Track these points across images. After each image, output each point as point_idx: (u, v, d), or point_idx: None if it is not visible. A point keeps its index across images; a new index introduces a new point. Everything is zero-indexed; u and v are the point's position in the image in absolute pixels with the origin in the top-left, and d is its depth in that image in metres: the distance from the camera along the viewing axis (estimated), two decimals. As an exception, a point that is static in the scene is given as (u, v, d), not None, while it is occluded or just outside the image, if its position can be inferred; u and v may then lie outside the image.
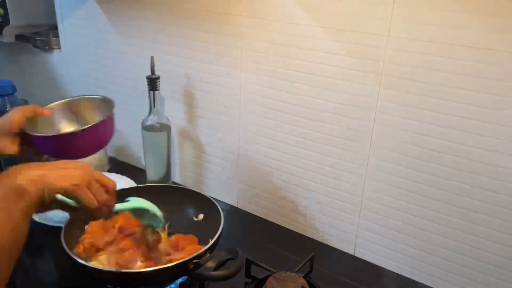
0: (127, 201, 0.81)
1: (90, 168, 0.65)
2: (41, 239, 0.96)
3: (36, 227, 0.92)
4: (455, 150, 0.80)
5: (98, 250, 0.83)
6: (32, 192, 0.56)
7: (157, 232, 0.85)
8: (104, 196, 0.66)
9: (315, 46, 0.88)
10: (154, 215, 0.83)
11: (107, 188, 0.68)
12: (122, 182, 1.11)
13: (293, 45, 0.91)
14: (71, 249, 0.77)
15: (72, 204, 0.64)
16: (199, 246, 0.83)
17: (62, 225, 0.82)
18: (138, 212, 0.83)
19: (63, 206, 0.65)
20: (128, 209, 0.81)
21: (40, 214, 0.98)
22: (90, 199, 0.63)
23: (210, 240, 0.79)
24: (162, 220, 0.85)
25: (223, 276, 0.72)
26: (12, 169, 0.57)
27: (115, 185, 0.69)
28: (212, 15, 1.00)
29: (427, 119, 0.81)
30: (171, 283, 0.84)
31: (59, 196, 0.61)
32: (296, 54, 0.91)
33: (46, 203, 0.59)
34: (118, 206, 0.75)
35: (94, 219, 0.82)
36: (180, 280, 0.85)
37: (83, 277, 0.87)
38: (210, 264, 0.73)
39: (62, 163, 0.63)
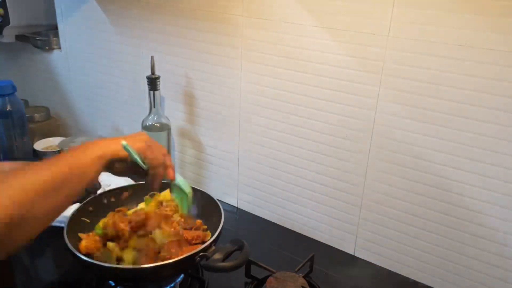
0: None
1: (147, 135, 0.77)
2: (41, 238, 0.96)
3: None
4: (454, 150, 0.80)
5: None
6: (108, 147, 0.69)
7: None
8: (162, 154, 0.77)
9: (315, 46, 0.88)
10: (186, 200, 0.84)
11: (163, 152, 0.78)
12: (122, 181, 1.11)
13: (293, 45, 0.91)
14: (73, 245, 0.77)
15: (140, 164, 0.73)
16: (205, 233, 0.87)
17: (63, 225, 0.82)
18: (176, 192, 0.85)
19: (128, 168, 0.75)
20: (178, 185, 0.83)
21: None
22: (155, 157, 0.75)
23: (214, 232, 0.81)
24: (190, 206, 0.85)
25: (231, 266, 0.73)
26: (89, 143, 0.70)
27: (166, 150, 0.79)
28: (212, 15, 1.00)
29: (427, 118, 0.81)
30: (177, 278, 0.85)
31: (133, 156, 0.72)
32: (296, 54, 0.91)
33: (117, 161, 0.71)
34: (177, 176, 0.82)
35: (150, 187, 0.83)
36: (179, 279, 0.85)
37: (83, 275, 0.88)
38: (217, 256, 0.74)
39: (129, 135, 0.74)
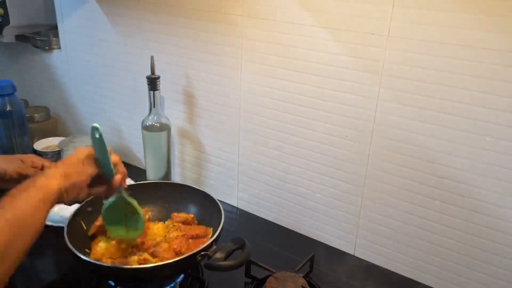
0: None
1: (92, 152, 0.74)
2: (41, 239, 0.96)
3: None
4: (454, 150, 0.80)
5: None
6: (53, 185, 0.65)
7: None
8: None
9: (315, 46, 0.88)
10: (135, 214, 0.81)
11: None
12: (122, 182, 1.11)
13: (293, 45, 0.91)
14: (74, 246, 0.77)
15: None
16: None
17: (63, 225, 0.82)
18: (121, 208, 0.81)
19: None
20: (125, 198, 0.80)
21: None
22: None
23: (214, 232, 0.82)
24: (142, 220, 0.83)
25: (233, 265, 0.73)
26: (40, 172, 0.68)
27: (118, 157, 0.77)
28: (212, 15, 1.00)
29: (427, 119, 0.81)
30: (177, 278, 0.85)
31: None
32: (296, 54, 0.91)
33: (66, 197, 0.68)
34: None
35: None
36: (179, 279, 0.85)
37: (83, 275, 0.88)
38: (219, 255, 0.74)
39: (73, 161, 0.71)
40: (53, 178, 0.66)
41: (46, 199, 0.63)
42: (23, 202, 0.60)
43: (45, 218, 0.63)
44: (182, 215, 0.92)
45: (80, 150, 0.74)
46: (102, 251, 0.82)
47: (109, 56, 1.25)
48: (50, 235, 0.97)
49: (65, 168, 0.69)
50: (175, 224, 0.91)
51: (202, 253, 0.75)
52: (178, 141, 1.21)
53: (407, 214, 0.89)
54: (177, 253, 0.81)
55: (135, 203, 0.80)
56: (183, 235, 0.86)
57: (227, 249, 0.75)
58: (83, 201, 0.88)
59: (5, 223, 0.56)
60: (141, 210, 0.81)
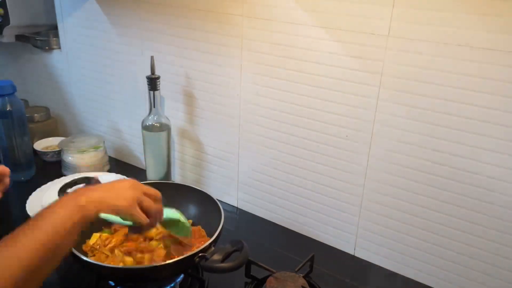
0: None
1: (139, 184, 0.73)
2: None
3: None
4: (454, 150, 0.80)
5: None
6: (90, 211, 0.63)
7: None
8: (153, 208, 0.72)
9: (315, 46, 0.88)
10: (182, 226, 0.83)
11: (155, 198, 0.74)
12: (122, 182, 1.11)
13: (293, 45, 0.91)
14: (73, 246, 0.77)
15: (125, 223, 0.71)
16: (206, 238, 0.86)
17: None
18: (167, 222, 0.82)
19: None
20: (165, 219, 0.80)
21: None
22: (142, 216, 0.70)
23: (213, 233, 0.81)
24: (189, 231, 0.84)
25: (229, 267, 0.73)
26: (80, 190, 0.67)
27: (159, 194, 0.75)
28: (212, 15, 1.00)
29: (427, 119, 0.81)
30: (177, 278, 0.85)
31: (117, 219, 0.70)
32: (296, 54, 0.91)
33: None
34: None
35: (140, 231, 0.81)
36: (179, 279, 0.85)
37: (83, 275, 0.87)
38: (216, 256, 0.74)
39: (116, 185, 0.71)
40: (92, 202, 0.64)
41: (81, 222, 0.62)
42: (60, 223, 0.59)
43: (75, 242, 0.62)
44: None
45: (124, 181, 0.73)
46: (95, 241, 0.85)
47: (109, 56, 1.25)
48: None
49: (103, 193, 0.68)
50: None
51: (200, 254, 0.75)
52: (178, 141, 1.21)
53: (407, 214, 0.89)
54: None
55: (176, 217, 0.81)
56: (178, 242, 0.85)
57: (225, 251, 0.75)
58: None
59: (40, 247, 0.56)
60: (184, 222, 0.82)
